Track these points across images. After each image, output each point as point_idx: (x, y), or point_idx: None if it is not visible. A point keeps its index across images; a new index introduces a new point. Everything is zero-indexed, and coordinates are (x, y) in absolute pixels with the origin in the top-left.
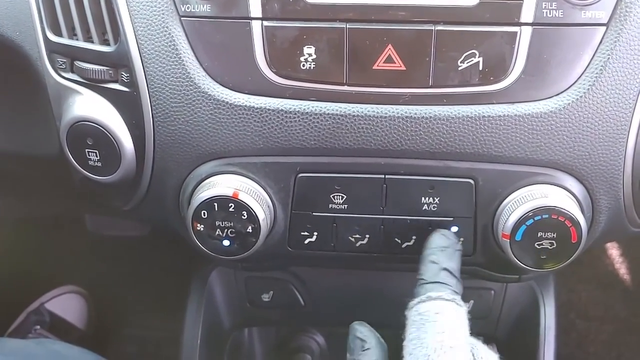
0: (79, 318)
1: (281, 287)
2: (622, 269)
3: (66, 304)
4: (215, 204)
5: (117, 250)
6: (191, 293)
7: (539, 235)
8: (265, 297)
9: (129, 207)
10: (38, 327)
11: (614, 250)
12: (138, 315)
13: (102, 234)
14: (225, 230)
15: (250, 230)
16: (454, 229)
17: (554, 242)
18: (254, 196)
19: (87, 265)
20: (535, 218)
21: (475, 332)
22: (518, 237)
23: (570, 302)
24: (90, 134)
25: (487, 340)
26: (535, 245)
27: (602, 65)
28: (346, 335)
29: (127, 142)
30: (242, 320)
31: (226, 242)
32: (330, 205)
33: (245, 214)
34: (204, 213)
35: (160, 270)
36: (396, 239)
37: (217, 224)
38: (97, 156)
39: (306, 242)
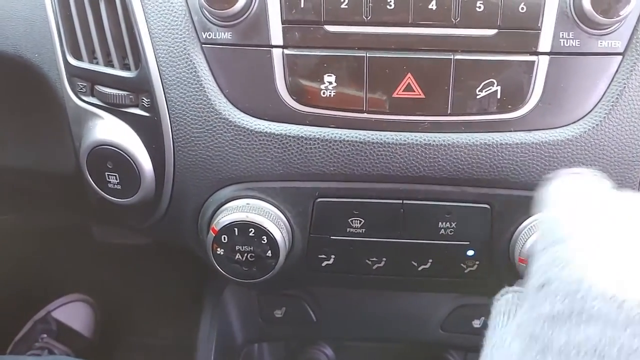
0: (85, 326)
1: (293, 304)
2: None
3: (73, 312)
4: (236, 229)
5: (124, 258)
6: (205, 308)
7: None
8: (278, 313)
9: (146, 226)
10: (45, 335)
11: None
12: (144, 323)
13: (109, 242)
14: (245, 254)
15: (270, 254)
16: (470, 252)
17: None
18: (274, 220)
19: (94, 273)
20: None
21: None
22: None
23: None
24: (110, 158)
25: None
26: None
27: (618, 94)
28: (354, 347)
29: (147, 165)
30: (255, 335)
31: (245, 267)
32: (348, 229)
33: (265, 239)
34: (224, 237)
35: (167, 278)
36: (413, 262)
37: (237, 248)
38: (116, 179)
39: (324, 264)
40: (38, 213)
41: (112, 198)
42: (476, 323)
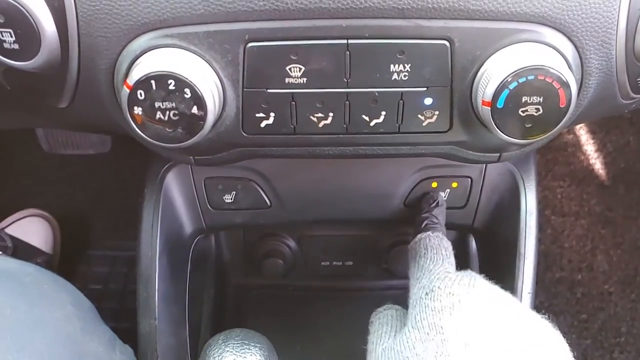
0: (43, 241)
1: (244, 187)
2: (597, 164)
3: (28, 228)
4: (153, 82)
5: (78, 171)
6: (146, 197)
7: (523, 100)
8: (228, 199)
9: (65, 102)
10: (0, 253)
11: (589, 146)
12: (105, 235)
13: (59, 153)
14: (167, 112)
15: (196, 111)
16: (428, 100)
17: (540, 107)
18: (197, 71)
19: (46, 187)
20: (520, 80)
21: (452, 223)
22: (500, 104)
23: (546, 200)
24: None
25: (464, 232)
26: (520, 112)
27: None
28: (317, 237)
29: (45, 17)
30: (205, 224)
31: (170, 128)
32: (287, 80)
33: (188, 92)
34: (140, 93)
35: (124, 188)
36: (364, 116)
37: (156, 105)
38: (12, 36)
39: (263, 125)
40: None
41: (11, 61)
42: (442, 196)
